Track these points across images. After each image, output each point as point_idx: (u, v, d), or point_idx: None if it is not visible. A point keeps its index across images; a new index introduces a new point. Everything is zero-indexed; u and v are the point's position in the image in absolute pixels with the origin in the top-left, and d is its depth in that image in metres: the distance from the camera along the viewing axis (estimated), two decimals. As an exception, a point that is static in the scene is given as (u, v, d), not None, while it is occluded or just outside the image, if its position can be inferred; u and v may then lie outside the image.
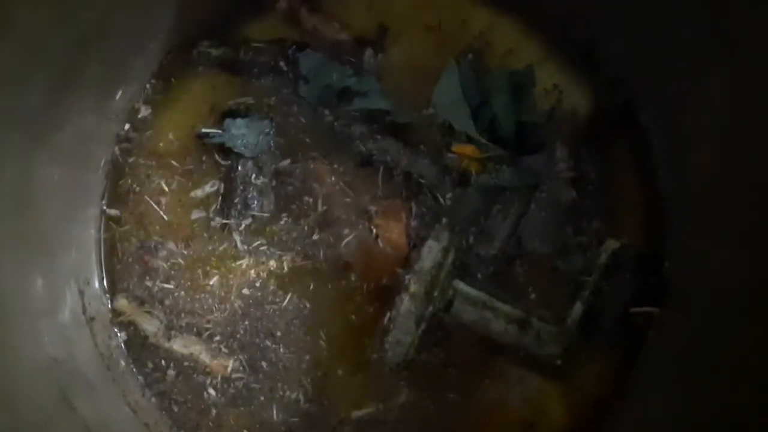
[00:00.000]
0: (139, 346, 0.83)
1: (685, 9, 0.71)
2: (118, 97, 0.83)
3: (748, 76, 0.67)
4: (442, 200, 0.83)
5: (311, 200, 0.84)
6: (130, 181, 0.86)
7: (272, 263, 0.84)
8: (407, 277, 0.80)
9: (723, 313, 0.71)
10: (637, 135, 0.84)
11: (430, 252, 0.80)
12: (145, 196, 0.85)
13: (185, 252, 0.84)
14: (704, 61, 0.72)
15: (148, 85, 0.87)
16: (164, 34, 0.84)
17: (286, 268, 0.83)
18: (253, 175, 0.84)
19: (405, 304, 0.79)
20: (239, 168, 0.84)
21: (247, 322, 0.83)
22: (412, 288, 0.79)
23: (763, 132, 0.67)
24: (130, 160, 0.86)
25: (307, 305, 0.83)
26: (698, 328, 0.75)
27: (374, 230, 0.83)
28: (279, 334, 0.82)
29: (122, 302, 0.83)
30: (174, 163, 0.86)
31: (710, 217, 0.76)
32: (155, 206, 0.85)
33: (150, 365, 0.83)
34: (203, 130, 0.84)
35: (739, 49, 0.67)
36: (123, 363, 0.82)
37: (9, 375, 0.65)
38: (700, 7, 0.70)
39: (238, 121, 0.83)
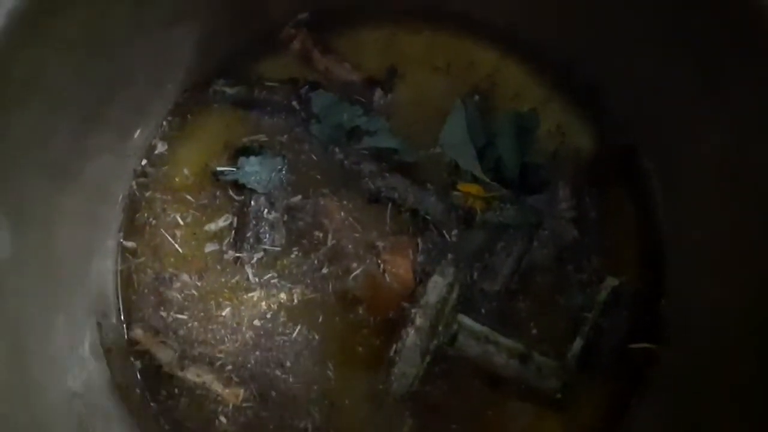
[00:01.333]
0: (153, 375, 0.84)
1: (680, 60, 0.74)
2: (136, 135, 0.86)
3: (739, 124, 0.70)
4: (447, 237, 0.85)
5: (321, 235, 0.86)
6: (146, 214, 0.88)
7: (283, 295, 0.85)
8: (413, 311, 0.82)
9: (718, 350, 0.74)
10: (638, 177, 0.86)
11: (436, 287, 0.82)
12: (161, 229, 0.87)
13: (199, 284, 0.86)
14: (699, 110, 0.75)
15: (164, 122, 0.89)
16: (181, 74, 0.86)
17: (296, 301, 0.85)
18: (266, 210, 0.86)
19: (410, 337, 0.81)
20: (252, 203, 0.86)
21: (257, 353, 0.84)
22: (418, 322, 0.81)
23: (756, 176, 0.69)
24: (147, 194, 0.88)
25: (316, 337, 0.84)
26: (694, 364, 0.77)
27: (381, 265, 0.85)
28: (288, 364, 0.84)
29: (138, 332, 0.84)
30: (189, 197, 0.88)
31: (707, 257, 0.78)
32: (170, 239, 0.87)
33: (164, 393, 0.84)
34: (218, 169, 0.86)
35: (730, 98, 0.70)
36: (138, 391, 0.84)
37: (32, 411, 0.67)
38: (693, 60, 0.72)
39: (252, 158, 0.85)
